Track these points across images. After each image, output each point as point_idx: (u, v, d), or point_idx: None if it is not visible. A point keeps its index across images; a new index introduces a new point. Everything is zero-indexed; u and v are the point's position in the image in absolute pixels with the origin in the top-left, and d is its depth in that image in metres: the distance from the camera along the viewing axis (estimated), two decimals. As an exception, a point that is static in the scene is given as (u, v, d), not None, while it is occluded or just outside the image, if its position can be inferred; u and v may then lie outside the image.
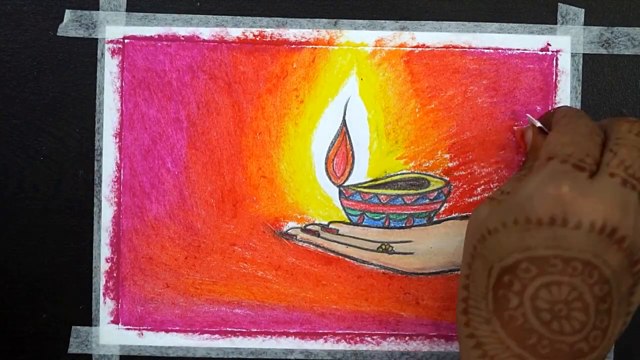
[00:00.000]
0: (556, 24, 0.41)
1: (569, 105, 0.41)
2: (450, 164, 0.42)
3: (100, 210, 0.42)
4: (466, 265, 0.35)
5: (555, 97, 0.41)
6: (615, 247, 0.32)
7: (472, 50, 0.42)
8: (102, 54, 0.42)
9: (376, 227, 0.42)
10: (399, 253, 0.42)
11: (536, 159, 0.35)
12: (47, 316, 0.42)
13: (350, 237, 0.42)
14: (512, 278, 0.33)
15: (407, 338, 0.42)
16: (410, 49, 0.42)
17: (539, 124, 0.38)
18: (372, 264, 0.42)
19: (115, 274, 0.42)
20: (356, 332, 0.42)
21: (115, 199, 0.42)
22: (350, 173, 0.42)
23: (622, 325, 0.34)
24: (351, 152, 0.42)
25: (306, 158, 0.42)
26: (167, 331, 0.42)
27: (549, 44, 0.41)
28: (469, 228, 0.35)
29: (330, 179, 0.42)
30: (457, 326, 0.35)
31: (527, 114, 0.41)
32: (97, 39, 0.41)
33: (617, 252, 0.32)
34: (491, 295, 0.33)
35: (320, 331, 0.42)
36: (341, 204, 0.42)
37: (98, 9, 0.41)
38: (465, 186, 0.42)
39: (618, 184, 0.32)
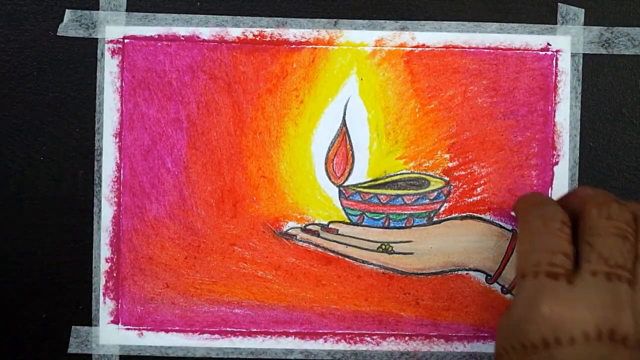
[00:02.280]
0: (556, 24, 0.41)
1: (569, 105, 0.41)
2: (450, 164, 0.42)
3: (100, 210, 0.42)
4: None
5: (555, 97, 0.41)
6: (621, 347, 0.30)
7: (472, 50, 0.42)
8: (102, 54, 0.42)
9: (376, 227, 0.42)
10: (398, 253, 0.42)
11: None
12: (47, 316, 0.42)
13: (350, 237, 0.42)
14: None
15: (406, 338, 0.42)
16: (410, 49, 0.42)
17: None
18: (372, 264, 0.42)
19: (115, 274, 0.42)
20: (356, 332, 0.42)
21: (115, 199, 0.42)
22: (350, 173, 0.42)
23: None
24: (351, 152, 0.42)
25: (306, 158, 0.42)
26: (167, 331, 0.42)
27: (549, 44, 0.41)
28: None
29: (330, 179, 0.42)
30: None
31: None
32: (97, 39, 0.41)
33: (625, 350, 0.30)
34: None
35: (320, 331, 0.42)
36: (341, 204, 0.42)
37: (98, 9, 0.41)
38: (465, 186, 0.42)
39: (602, 280, 0.31)
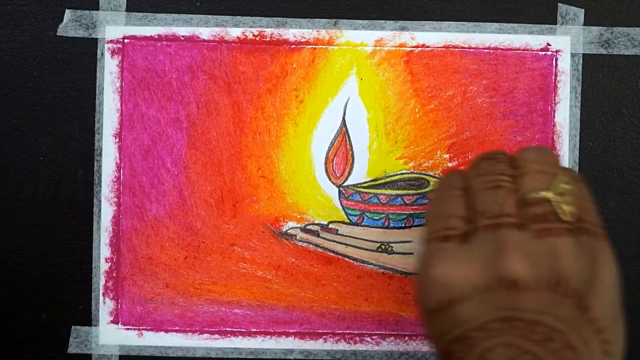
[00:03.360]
0: (556, 24, 0.41)
1: (569, 105, 0.41)
2: (449, 164, 0.42)
3: (99, 210, 0.42)
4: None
5: (555, 97, 0.41)
6: (517, 291, 0.29)
7: (472, 50, 0.42)
8: (102, 54, 0.42)
9: (376, 227, 0.42)
10: (398, 253, 0.42)
11: None
12: (47, 316, 0.42)
13: (349, 237, 0.42)
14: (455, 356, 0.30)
15: (406, 338, 0.42)
16: (410, 49, 0.42)
17: None
18: (371, 264, 0.42)
19: (114, 274, 0.42)
20: (356, 332, 0.42)
21: (115, 199, 0.42)
22: (349, 173, 0.42)
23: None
24: (351, 152, 0.42)
25: (306, 158, 0.42)
26: (166, 331, 0.42)
27: (548, 44, 0.41)
28: None
29: (330, 179, 0.42)
30: None
31: None
32: (97, 39, 0.42)
33: (523, 293, 0.29)
34: None
35: (320, 331, 0.42)
36: (341, 204, 0.42)
37: (98, 9, 0.41)
38: (465, 186, 0.42)
39: (484, 233, 0.30)
